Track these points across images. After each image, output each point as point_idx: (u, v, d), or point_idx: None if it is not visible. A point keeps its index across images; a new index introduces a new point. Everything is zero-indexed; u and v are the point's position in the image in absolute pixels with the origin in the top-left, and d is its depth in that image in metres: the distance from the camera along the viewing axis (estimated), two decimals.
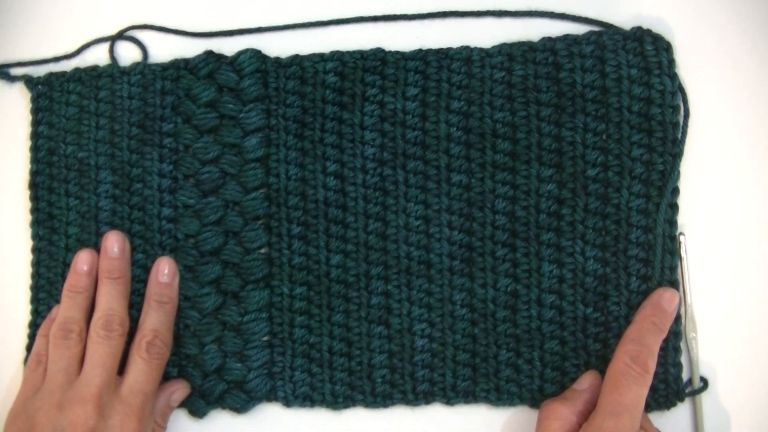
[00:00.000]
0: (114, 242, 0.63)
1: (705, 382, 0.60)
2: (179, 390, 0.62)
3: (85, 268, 0.62)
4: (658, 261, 0.59)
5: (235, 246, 0.63)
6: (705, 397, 0.61)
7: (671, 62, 0.60)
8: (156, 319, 0.61)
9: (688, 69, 0.61)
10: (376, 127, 0.62)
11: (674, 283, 0.60)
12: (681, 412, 0.61)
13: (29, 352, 0.63)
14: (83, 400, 0.57)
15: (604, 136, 0.60)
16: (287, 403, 0.63)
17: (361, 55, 0.62)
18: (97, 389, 0.57)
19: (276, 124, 0.63)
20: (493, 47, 0.62)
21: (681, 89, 0.60)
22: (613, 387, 0.56)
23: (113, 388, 0.58)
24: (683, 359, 0.60)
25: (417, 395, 0.62)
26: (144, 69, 0.64)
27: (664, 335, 0.58)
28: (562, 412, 0.57)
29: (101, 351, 0.59)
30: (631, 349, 0.56)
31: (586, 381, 0.59)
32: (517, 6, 0.63)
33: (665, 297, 0.58)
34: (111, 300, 0.61)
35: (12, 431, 0.58)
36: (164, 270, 0.62)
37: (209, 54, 0.63)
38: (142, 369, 0.59)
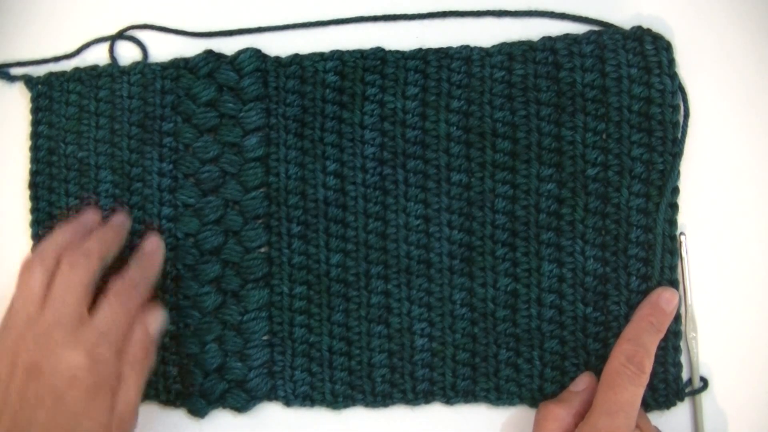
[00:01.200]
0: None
1: (705, 382, 0.60)
2: (153, 314, 0.59)
3: (89, 221, 0.61)
4: (657, 260, 0.59)
5: (235, 245, 0.63)
6: (705, 397, 0.60)
7: (671, 62, 0.60)
8: (135, 269, 0.59)
9: (688, 69, 0.61)
10: (376, 127, 0.62)
11: (674, 283, 0.60)
12: (681, 412, 0.61)
13: None
14: (29, 335, 0.53)
15: (604, 136, 0.60)
16: (287, 402, 0.63)
17: (361, 55, 0.62)
18: (48, 326, 0.54)
19: (276, 123, 0.63)
20: (493, 47, 0.62)
21: (681, 89, 0.60)
22: (609, 386, 0.56)
23: (73, 325, 0.54)
24: (683, 359, 0.60)
25: (417, 395, 0.62)
26: (144, 68, 0.64)
27: (661, 335, 0.58)
28: (559, 413, 0.57)
29: (62, 282, 0.55)
30: (628, 349, 0.56)
31: (582, 382, 0.59)
32: (517, 6, 0.63)
33: (664, 297, 0.58)
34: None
35: None
36: (149, 245, 0.62)
37: (209, 53, 0.63)
38: (110, 309, 0.55)
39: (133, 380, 0.55)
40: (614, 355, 0.57)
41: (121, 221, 0.63)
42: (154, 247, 0.62)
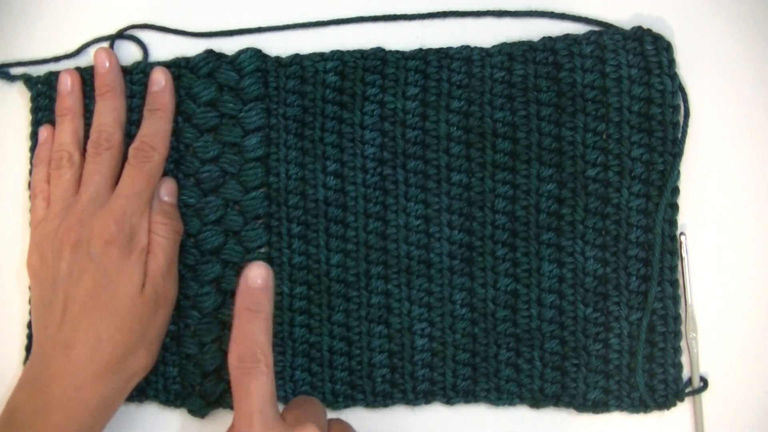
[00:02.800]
0: (103, 58, 0.63)
1: (705, 382, 0.60)
2: (164, 184, 0.62)
3: (68, 87, 0.64)
4: (656, 260, 0.59)
5: (235, 245, 0.63)
6: (705, 397, 0.61)
7: (671, 62, 0.60)
8: (146, 127, 0.62)
9: (688, 69, 0.61)
10: (376, 127, 0.62)
11: (674, 283, 0.60)
12: (681, 412, 0.61)
13: (29, 352, 0.63)
14: (68, 219, 0.59)
15: (604, 136, 0.60)
16: (288, 402, 0.63)
17: (361, 55, 0.62)
18: (82, 206, 0.59)
19: (276, 123, 0.63)
20: (494, 47, 0.62)
21: (681, 89, 0.60)
22: (237, 396, 0.52)
23: (101, 200, 0.59)
24: (683, 359, 0.60)
25: (417, 395, 0.62)
26: (145, 68, 0.64)
27: (263, 314, 0.53)
28: None
29: (88, 169, 0.61)
30: (236, 349, 0.53)
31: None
32: (517, 6, 0.63)
33: (250, 276, 0.54)
34: (100, 116, 0.62)
35: (30, 266, 0.61)
36: (155, 79, 0.63)
37: (209, 53, 0.63)
38: (127, 174, 0.60)
39: (159, 245, 0.60)
40: (230, 362, 0.53)
41: (110, 82, 0.63)
42: (160, 87, 0.62)
